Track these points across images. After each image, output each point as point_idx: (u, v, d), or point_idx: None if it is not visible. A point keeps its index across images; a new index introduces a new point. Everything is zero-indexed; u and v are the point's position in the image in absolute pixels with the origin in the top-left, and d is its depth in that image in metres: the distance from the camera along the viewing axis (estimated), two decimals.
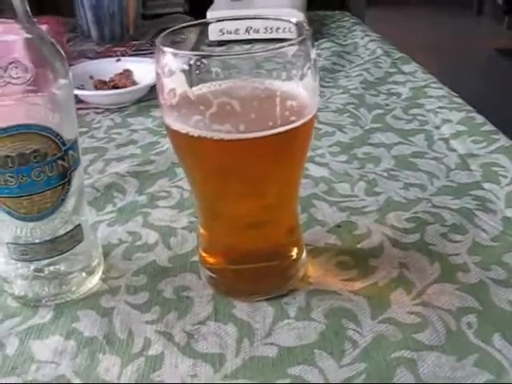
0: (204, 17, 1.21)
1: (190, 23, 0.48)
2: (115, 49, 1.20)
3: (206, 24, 0.50)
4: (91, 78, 0.97)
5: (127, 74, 0.97)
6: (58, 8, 1.36)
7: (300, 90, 0.42)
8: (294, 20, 0.44)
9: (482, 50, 4.25)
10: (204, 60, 0.39)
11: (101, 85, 0.95)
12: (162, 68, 0.40)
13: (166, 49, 0.40)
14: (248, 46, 1.07)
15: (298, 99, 0.41)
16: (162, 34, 0.42)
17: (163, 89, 0.41)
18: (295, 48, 0.40)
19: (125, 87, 0.93)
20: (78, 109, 0.88)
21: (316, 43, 1.22)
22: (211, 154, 0.41)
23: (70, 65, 0.99)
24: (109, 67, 0.99)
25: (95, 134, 0.82)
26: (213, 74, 0.42)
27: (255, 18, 0.50)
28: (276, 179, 0.44)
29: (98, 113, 0.90)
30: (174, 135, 0.42)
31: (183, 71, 0.40)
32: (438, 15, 5.36)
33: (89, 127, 0.84)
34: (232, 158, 0.41)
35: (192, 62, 0.39)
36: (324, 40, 1.24)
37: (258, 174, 0.43)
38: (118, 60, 1.03)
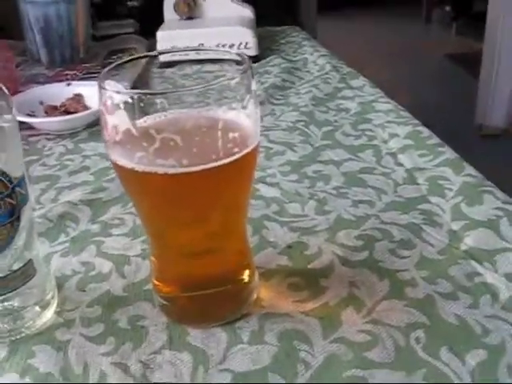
0: (154, 36, 1.22)
1: (136, 56, 0.49)
2: (66, 72, 1.20)
3: (154, 56, 0.51)
4: (41, 103, 0.96)
5: (78, 98, 0.97)
6: (7, 30, 1.36)
7: (242, 120, 0.43)
8: (234, 52, 0.45)
9: (433, 56, 4.35)
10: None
11: (51, 110, 0.95)
12: (104, 105, 0.41)
13: (107, 86, 0.40)
14: (198, 67, 1.07)
15: (240, 130, 0.42)
16: (104, 70, 0.43)
17: (106, 125, 0.42)
18: (236, 80, 0.41)
19: (76, 112, 0.92)
20: (29, 136, 0.89)
21: (267, 60, 1.24)
22: (156, 188, 0.42)
23: (20, 91, 0.99)
24: (59, 92, 0.99)
25: (47, 162, 0.81)
26: (157, 106, 0.42)
27: (199, 50, 0.50)
28: (221, 207, 0.45)
29: (49, 139, 0.89)
30: (120, 170, 0.43)
31: (126, 105, 0.40)
32: (387, 23, 5.46)
33: (40, 154, 0.84)
34: (177, 191, 0.42)
35: (135, 97, 0.40)
36: (274, 56, 1.26)
37: (203, 203, 0.43)
38: (69, 84, 1.02)
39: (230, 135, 0.41)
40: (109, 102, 0.41)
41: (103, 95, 0.41)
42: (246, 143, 0.42)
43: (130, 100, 0.40)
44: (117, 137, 0.41)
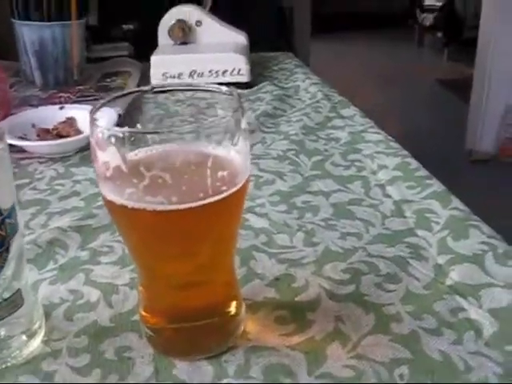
0: (148, 60, 1.23)
1: (126, 92, 0.49)
2: (60, 94, 1.20)
3: (145, 91, 0.52)
4: (33, 126, 0.96)
5: (70, 122, 0.98)
6: (2, 51, 1.36)
7: (232, 156, 0.43)
8: (224, 89, 0.46)
9: (424, 81, 4.39)
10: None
11: (44, 133, 0.95)
12: (95, 140, 0.42)
13: (98, 123, 0.41)
14: (191, 93, 1.08)
15: (229, 168, 0.43)
16: (96, 106, 0.43)
17: (97, 160, 0.42)
18: (227, 119, 0.42)
19: (68, 136, 0.93)
20: (21, 159, 0.90)
21: (259, 86, 1.25)
22: (145, 224, 0.43)
23: (12, 113, 0.99)
24: (52, 115, 0.99)
25: (38, 186, 0.82)
26: (148, 140, 0.43)
27: (189, 90, 0.51)
28: (210, 242, 0.45)
29: (40, 162, 0.90)
30: (110, 205, 0.43)
31: (117, 140, 0.41)
32: (380, 46, 5.52)
33: (31, 178, 0.84)
34: (166, 227, 0.43)
35: (126, 133, 0.41)
36: (266, 83, 1.27)
37: (192, 239, 0.44)
38: (62, 108, 1.03)
39: (219, 174, 0.42)
40: (100, 137, 0.41)
41: (94, 130, 0.41)
42: (235, 181, 0.43)
43: (120, 135, 0.40)
44: (107, 172, 0.42)
